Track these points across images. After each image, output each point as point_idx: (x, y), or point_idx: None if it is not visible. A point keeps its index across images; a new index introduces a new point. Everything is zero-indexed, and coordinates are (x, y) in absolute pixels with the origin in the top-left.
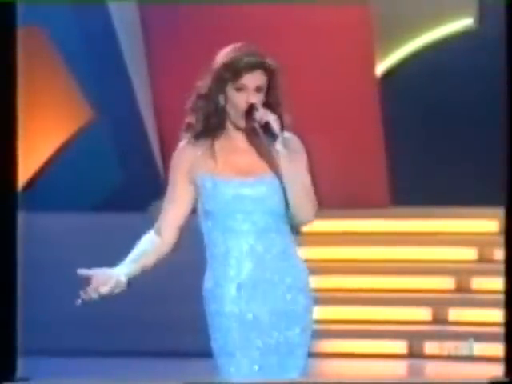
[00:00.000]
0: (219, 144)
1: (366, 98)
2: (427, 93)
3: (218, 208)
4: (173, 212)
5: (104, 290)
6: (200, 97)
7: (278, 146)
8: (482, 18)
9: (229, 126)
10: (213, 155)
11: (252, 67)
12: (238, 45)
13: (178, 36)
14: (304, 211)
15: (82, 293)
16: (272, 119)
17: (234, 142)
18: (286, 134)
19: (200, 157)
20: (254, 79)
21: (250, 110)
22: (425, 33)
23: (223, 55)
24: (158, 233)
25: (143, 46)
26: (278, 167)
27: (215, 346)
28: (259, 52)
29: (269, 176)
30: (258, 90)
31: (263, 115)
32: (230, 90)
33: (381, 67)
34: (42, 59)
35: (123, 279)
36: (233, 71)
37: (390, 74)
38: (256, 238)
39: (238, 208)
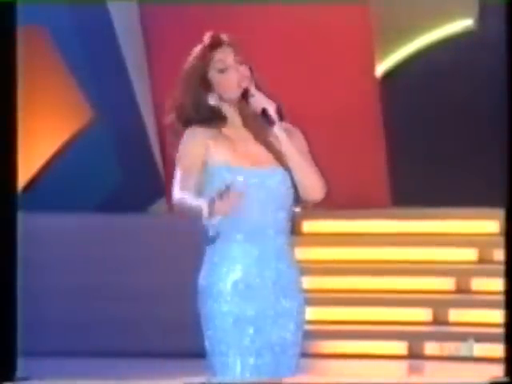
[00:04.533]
0: (225, 131)
1: (366, 98)
2: (427, 93)
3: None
4: (194, 180)
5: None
6: (177, 108)
7: (277, 131)
8: (482, 18)
9: (229, 114)
10: (224, 143)
11: (218, 44)
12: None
13: (178, 36)
14: (315, 188)
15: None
16: (268, 105)
17: (239, 130)
18: (286, 126)
19: (212, 144)
20: (227, 53)
21: (245, 95)
22: (425, 33)
23: (188, 60)
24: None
25: (143, 46)
26: (283, 157)
27: (209, 344)
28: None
29: (278, 167)
30: (238, 61)
31: (259, 101)
32: (216, 76)
33: (381, 67)
34: (42, 59)
35: None
36: (205, 57)
37: (390, 74)
38: (259, 236)
39: (254, 198)
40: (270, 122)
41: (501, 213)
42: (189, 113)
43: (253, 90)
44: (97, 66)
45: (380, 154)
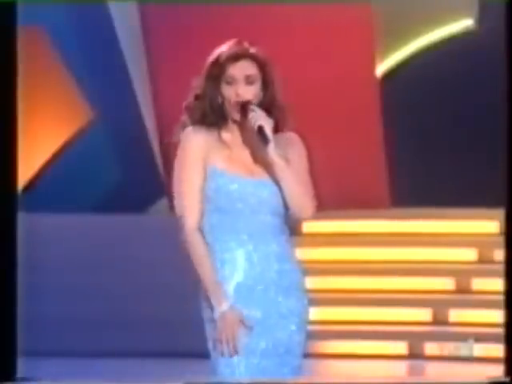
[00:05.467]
0: (225, 136)
1: (366, 98)
2: (427, 93)
3: (230, 205)
4: (200, 205)
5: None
6: (196, 97)
7: (271, 152)
8: (482, 18)
9: (229, 120)
10: (221, 148)
11: (236, 57)
12: (227, 42)
13: (179, 36)
14: (303, 209)
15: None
16: (265, 123)
17: (236, 136)
18: (285, 133)
19: (210, 147)
20: (240, 69)
21: (246, 108)
22: (425, 34)
23: (211, 54)
24: (199, 231)
25: (143, 46)
26: (275, 171)
27: (212, 345)
28: (245, 43)
29: (270, 179)
30: (248, 81)
31: (257, 118)
32: (223, 86)
33: (381, 67)
34: (41, 59)
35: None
36: (219, 66)
37: (390, 74)
38: (259, 238)
39: (248, 206)
40: (265, 141)
41: (501, 213)
42: (205, 109)
43: (253, 106)
44: (97, 66)
45: (380, 154)
